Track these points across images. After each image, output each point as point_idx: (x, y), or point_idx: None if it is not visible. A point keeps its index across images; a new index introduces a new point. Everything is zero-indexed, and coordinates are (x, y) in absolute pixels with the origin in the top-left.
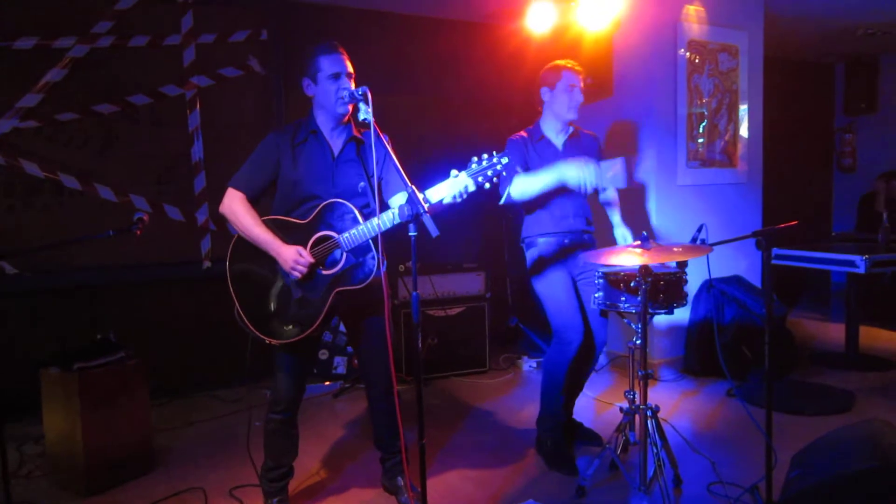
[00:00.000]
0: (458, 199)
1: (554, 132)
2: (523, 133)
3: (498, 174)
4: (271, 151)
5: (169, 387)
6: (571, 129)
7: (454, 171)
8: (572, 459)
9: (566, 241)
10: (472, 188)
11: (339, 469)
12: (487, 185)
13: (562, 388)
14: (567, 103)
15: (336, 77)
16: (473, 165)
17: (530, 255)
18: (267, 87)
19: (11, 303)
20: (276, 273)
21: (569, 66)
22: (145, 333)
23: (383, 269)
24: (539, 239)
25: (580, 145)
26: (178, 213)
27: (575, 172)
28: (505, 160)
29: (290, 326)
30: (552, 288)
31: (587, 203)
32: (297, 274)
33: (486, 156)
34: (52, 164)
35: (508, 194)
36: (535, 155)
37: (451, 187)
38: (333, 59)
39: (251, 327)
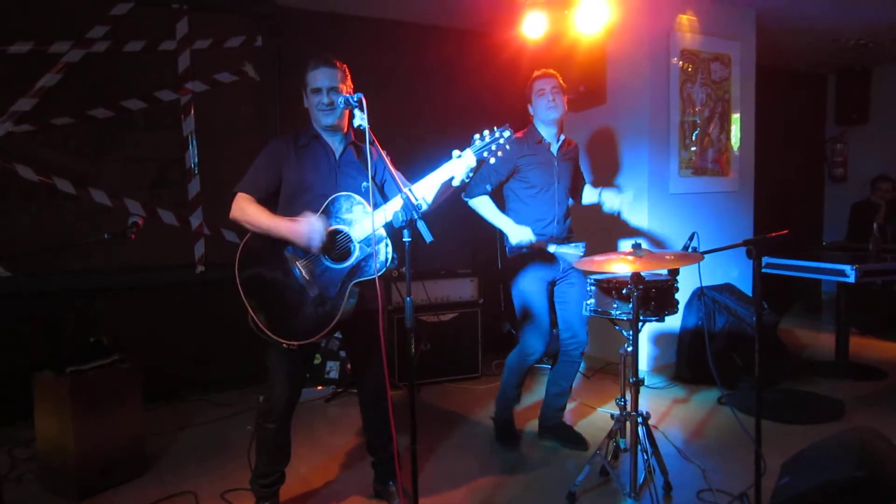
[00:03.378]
0: (467, 179)
1: (547, 137)
2: (519, 135)
3: (501, 147)
4: (276, 155)
5: (161, 391)
6: (563, 138)
7: (456, 152)
8: (517, 437)
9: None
10: (473, 164)
11: (331, 474)
12: (493, 160)
13: (519, 381)
14: (543, 107)
15: (317, 92)
16: (477, 142)
17: (511, 255)
18: (262, 93)
19: (4, 306)
20: (289, 274)
21: (538, 74)
22: (138, 337)
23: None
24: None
25: (569, 153)
26: (173, 217)
27: (516, 235)
28: (507, 133)
29: (309, 326)
30: (525, 299)
31: (568, 211)
32: (315, 242)
33: (486, 132)
34: (47, 169)
35: (471, 199)
36: (533, 154)
37: (457, 167)
38: (316, 73)
39: (269, 333)
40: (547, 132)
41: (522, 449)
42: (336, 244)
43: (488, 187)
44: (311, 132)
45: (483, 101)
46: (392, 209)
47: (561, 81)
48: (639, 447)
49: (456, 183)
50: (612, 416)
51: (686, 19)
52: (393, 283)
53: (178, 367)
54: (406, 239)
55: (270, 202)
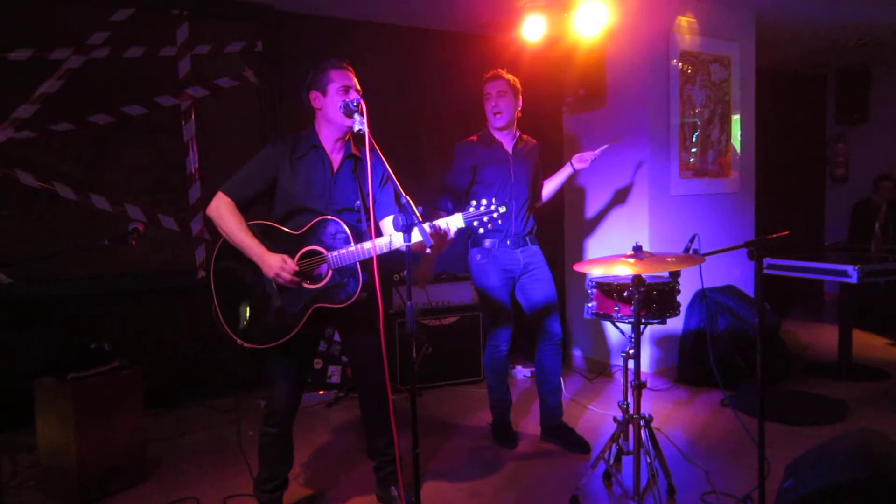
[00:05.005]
0: (445, 241)
1: (500, 137)
2: (473, 138)
3: (493, 221)
4: (268, 163)
5: (163, 396)
6: (518, 134)
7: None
8: (513, 436)
9: (508, 241)
10: (461, 226)
11: (333, 479)
12: (482, 231)
13: (501, 379)
14: (489, 113)
15: (346, 90)
16: (471, 209)
17: (473, 254)
18: (262, 98)
19: (5, 313)
20: (259, 279)
21: (486, 75)
22: (140, 343)
23: (377, 280)
24: (485, 240)
25: (525, 150)
26: (173, 222)
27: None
28: (503, 209)
29: (265, 333)
30: (490, 297)
31: (530, 209)
32: (281, 280)
33: (484, 202)
34: (47, 175)
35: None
36: (488, 153)
37: (439, 226)
38: (344, 73)
39: (225, 326)
40: (498, 133)
41: (525, 452)
42: (311, 265)
43: (453, 198)
44: (311, 141)
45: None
46: (381, 245)
47: (512, 82)
48: (642, 450)
49: (428, 243)
50: (614, 418)
51: (685, 21)
52: (394, 288)
53: (180, 372)
54: (406, 243)
55: (258, 204)
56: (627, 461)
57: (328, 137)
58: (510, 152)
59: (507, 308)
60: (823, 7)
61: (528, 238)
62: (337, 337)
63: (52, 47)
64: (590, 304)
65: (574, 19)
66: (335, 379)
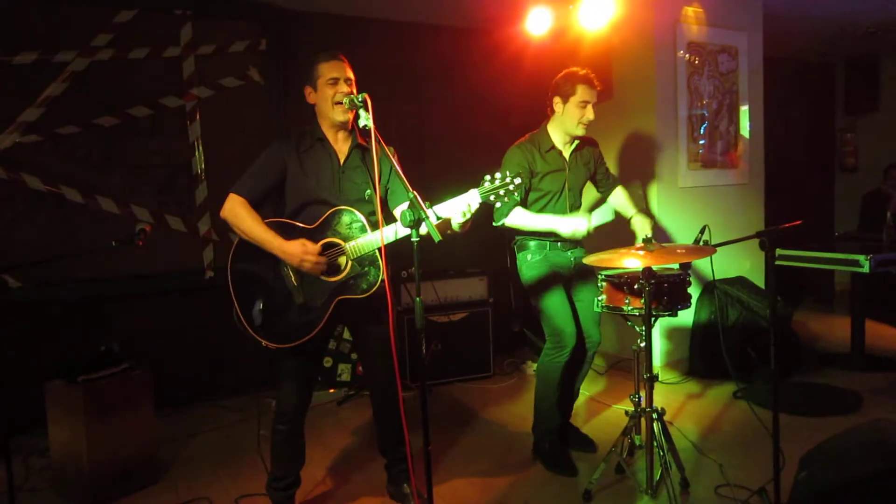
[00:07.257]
0: (468, 217)
1: (561, 142)
2: (527, 139)
3: (509, 193)
4: (275, 158)
5: (173, 397)
6: (577, 142)
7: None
8: (571, 460)
9: (558, 244)
10: (476, 206)
11: (344, 477)
12: (498, 205)
13: (556, 391)
14: (577, 120)
15: (334, 82)
16: (486, 184)
17: (522, 257)
18: (267, 97)
19: (15, 316)
20: (279, 277)
21: (586, 79)
22: (149, 344)
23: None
24: (530, 242)
25: (583, 157)
26: (180, 223)
27: (569, 227)
28: (518, 180)
29: (289, 331)
30: (546, 292)
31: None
32: (307, 266)
33: (498, 175)
34: (54, 178)
35: (503, 220)
36: (544, 163)
37: (460, 205)
38: (333, 65)
39: (249, 329)
40: (560, 137)
41: None
42: (328, 258)
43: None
44: (316, 134)
45: (488, 100)
46: (392, 231)
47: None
48: (654, 443)
49: (455, 221)
50: (626, 412)
51: (692, 11)
52: (403, 284)
53: (189, 372)
54: (414, 239)
55: (268, 203)
56: (640, 455)
57: (328, 131)
58: (567, 160)
59: (568, 304)
60: None
61: (577, 242)
62: (347, 335)
63: (55, 50)
64: (599, 298)
65: (579, 11)
66: (345, 377)
